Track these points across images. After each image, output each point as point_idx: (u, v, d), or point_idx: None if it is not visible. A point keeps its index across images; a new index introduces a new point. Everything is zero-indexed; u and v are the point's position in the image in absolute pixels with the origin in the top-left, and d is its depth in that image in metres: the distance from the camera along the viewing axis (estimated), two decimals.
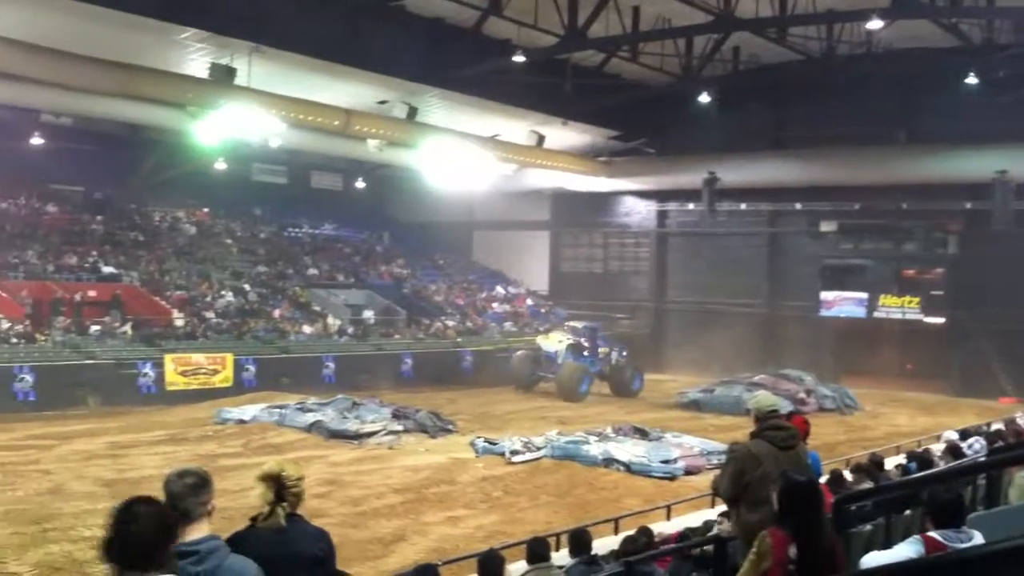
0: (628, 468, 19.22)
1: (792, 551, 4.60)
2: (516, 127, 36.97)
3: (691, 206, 41.19)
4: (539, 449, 20.49)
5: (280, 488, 4.48)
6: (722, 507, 10.86)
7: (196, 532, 3.94)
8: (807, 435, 7.05)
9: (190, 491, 3.96)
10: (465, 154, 34.79)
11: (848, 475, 10.48)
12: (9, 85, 25.57)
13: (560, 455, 20.11)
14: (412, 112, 33.29)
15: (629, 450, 20.00)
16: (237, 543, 4.25)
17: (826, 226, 38.26)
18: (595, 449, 20.11)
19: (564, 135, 38.30)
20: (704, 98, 35.58)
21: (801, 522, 4.63)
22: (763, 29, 31.36)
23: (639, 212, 44.23)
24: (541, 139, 37.96)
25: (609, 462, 19.54)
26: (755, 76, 36.69)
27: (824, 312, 38.18)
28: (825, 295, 38.13)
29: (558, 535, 8.76)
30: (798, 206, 39.31)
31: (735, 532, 6.20)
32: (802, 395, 29.57)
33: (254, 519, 4.49)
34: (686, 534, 9.02)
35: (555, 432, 22.06)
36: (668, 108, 37.58)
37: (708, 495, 15.32)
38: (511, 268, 46.68)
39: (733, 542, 6.47)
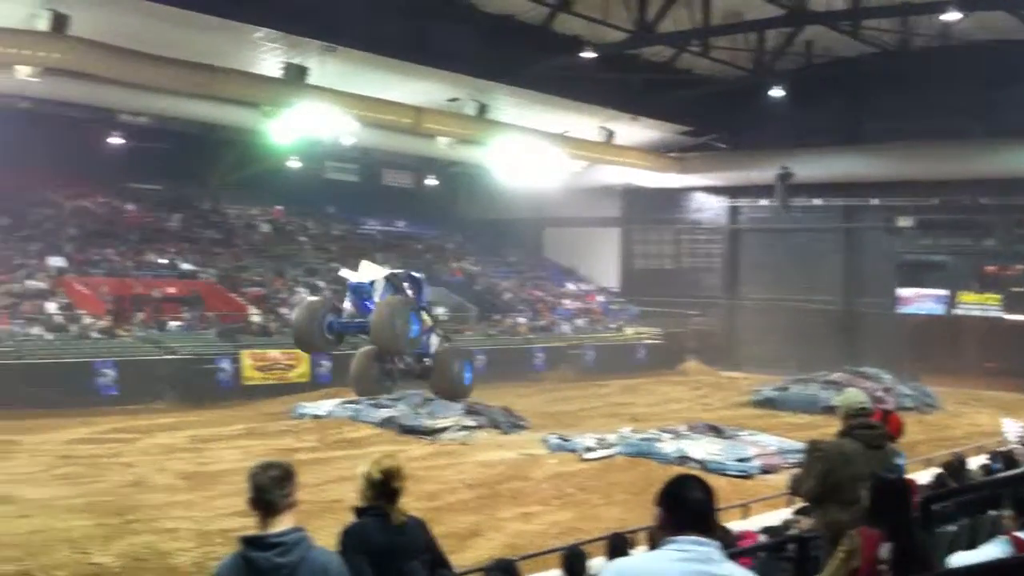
0: (703, 466, 19.02)
1: (883, 550, 4.53)
2: (586, 123, 36.87)
3: (764, 202, 40.71)
4: (612, 446, 20.40)
5: (391, 483, 4.51)
6: (798, 505, 10.73)
7: (281, 524, 4.01)
8: (900, 434, 6.93)
9: (275, 484, 4.03)
10: (535, 151, 34.80)
11: (930, 475, 10.28)
12: (89, 85, 26.19)
13: (634, 452, 19.99)
14: (482, 109, 33.39)
15: (704, 448, 19.83)
16: (352, 535, 4.31)
17: (903, 221, 37.60)
18: (669, 447, 19.96)
19: (634, 131, 38.11)
20: (777, 92, 35.13)
21: (895, 521, 4.56)
22: (836, 22, 30.88)
23: (711, 208, 43.85)
24: (611, 135, 37.82)
25: (683, 460, 19.36)
26: (829, 69, 36.16)
27: (901, 309, 37.49)
28: (902, 292, 37.45)
29: (635, 531, 8.72)
30: (874, 201, 38.67)
31: (819, 531, 6.12)
32: (880, 393, 28.98)
33: (360, 511, 4.53)
34: (779, 531, 8.91)
35: (629, 429, 21.92)
36: (740, 103, 37.17)
37: (785, 494, 15.14)
38: (582, 265, 46.59)
39: (815, 541, 6.40)
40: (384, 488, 4.50)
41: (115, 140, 34.90)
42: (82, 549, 13.02)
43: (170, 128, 34.38)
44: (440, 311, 37.34)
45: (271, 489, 4.02)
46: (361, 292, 24.23)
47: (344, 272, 25.69)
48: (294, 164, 37.34)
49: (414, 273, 26.69)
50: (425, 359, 25.50)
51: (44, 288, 29.09)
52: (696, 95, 36.96)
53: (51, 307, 28.12)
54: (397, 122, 31.78)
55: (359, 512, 4.59)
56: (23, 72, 23.70)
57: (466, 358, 26.24)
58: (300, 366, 30.11)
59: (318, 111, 28.39)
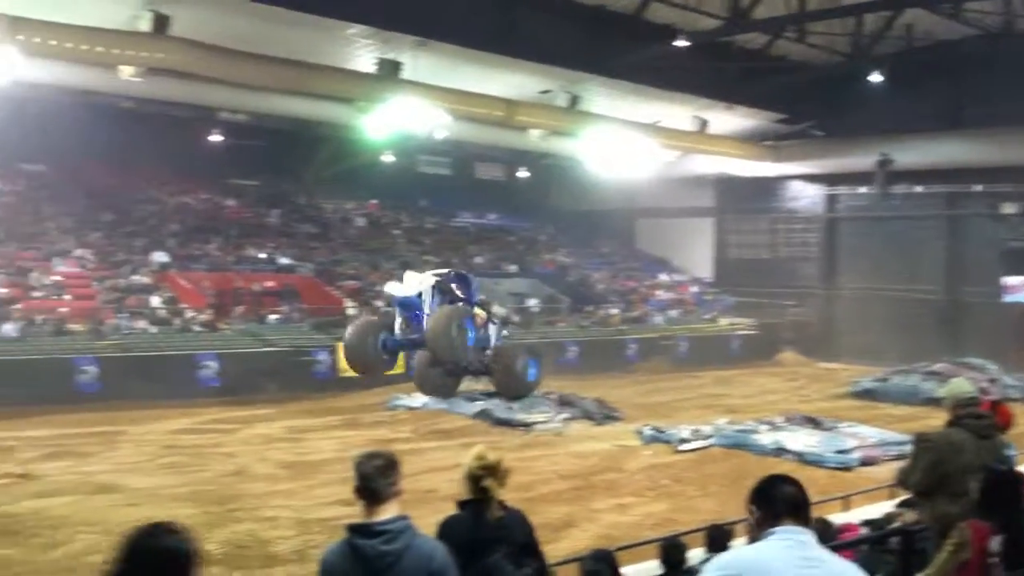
0: (801, 458, 18.75)
1: (994, 543, 4.41)
2: (679, 113, 36.54)
3: (863, 189, 39.89)
4: (708, 438, 20.22)
5: (489, 477, 4.52)
6: (901, 498, 10.49)
7: (386, 512, 4.06)
8: (1010, 425, 6.73)
9: (379, 472, 4.08)
10: (627, 142, 34.61)
11: None
12: (190, 84, 26.79)
13: (729, 444, 19.79)
14: (574, 101, 33.31)
15: (802, 440, 19.52)
16: (444, 527, 4.34)
17: (1008, 208, 36.48)
18: (765, 438, 19.71)
19: (728, 120, 37.65)
20: (876, 77, 34.36)
21: (1006, 514, 4.44)
22: (937, 5, 30.07)
23: (807, 196, 43.10)
24: (704, 124, 37.42)
25: (780, 452, 19.10)
26: (930, 53, 35.17)
27: (1007, 298, 36.38)
28: (1008, 280, 36.34)
29: (734, 523, 8.63)
30: (977, 187, 37.58)
31: (927, 523, 5.97)
32: (985, 384, 28.17)
33: (462, 504, 4.54)
34: (881, 524, 8.74)
35: (724, 421, 21.72)
36: (837, 89, 36.46)
37: (886, 487, 14.83)
38: (675, 255, 46.20)
39: (920, 534, 6.25)
40: (482, 482, 4.50)
41: (215, 138, 35.68)
42: None
43: (268, 125, 35.02)
44: (532, 302, 37.49)
45: (376, 478, 4.08)
46: (410, 306, 22.54)
47: (389, 287, 23.87)
48: (388, 158, 37.74)
49: (460, 271, 25.28)
50: (485, 355, 23.70)
51: (148, 283, 29.90)
52: (792, 82, 36.34)
53: (155, 301, 28.89)
54: (489, 115, 31.87)
55: (460, 505, 4.61)
56: (126, 72, 24.37)
57: (530, 353, 24.45)
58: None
59: (411, 105, 28.64)
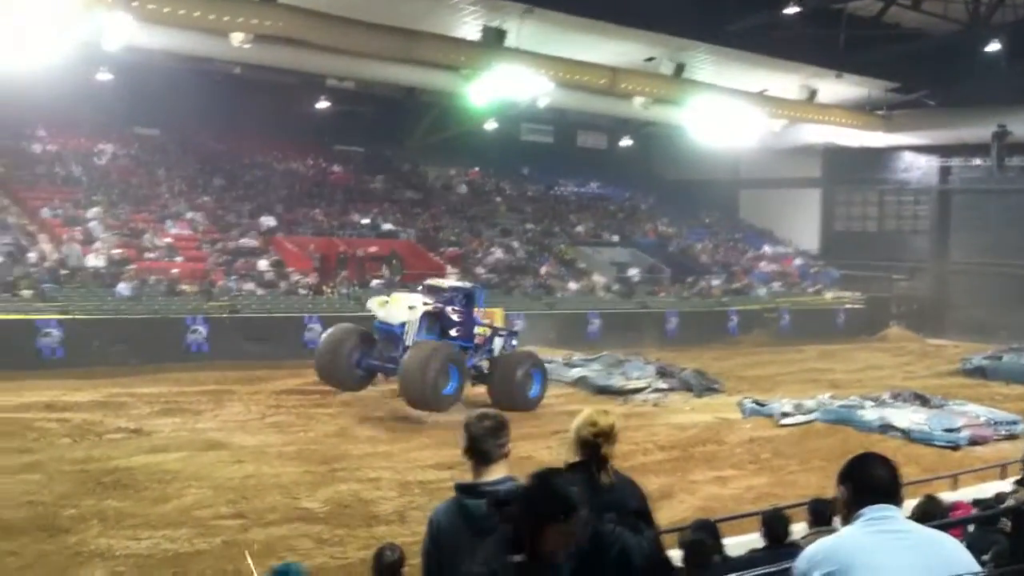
0: (907, 435, 18.36)
1: None
2: (786, 81, 35.78)
3: (977, 161, 38.67)
4: (810, 412, 19.93)
5: (600, 440, 4.49)
6: (1016, 477, 10.23)
7: (495, 473, 4.09)
8: None
9: (489, 433, 4.12)
10: (732, 110, 34.06)
11: None
12: (298, 52, 27.15)
13: (833, 419, 19.47)
14: (679, 69, 32.88)
15: (908, 417, 19.09)
16: None
17: None
18: (871, 414, 19.34)
19: (837, 88, 36.73)
20: (993, 46, 33.10)
21: None
22: None
23: (919, 168, 41.92)
24: (813, 93, 36.61)
25: (886, 428, 18.73)
26: None
27: None
28: None
29: (836, 499, 8.52)
30: None
31: None
32: None
33: (570, 467, 4.54)
34: (991, 504, 8.52)
35: (828, 395, 21.38)
36: (952, 58, 35.20)
37: (997, 466, 14.46)
38: (779, 227, 45.41)
39: None
40: (593, 445, 4.48)
41: (322, 104, 36.12)
42: (291, 494, 13.71)
43: (373, 92, 35.37)
44: (633, 272, 37.28)
45: (486, 438, 4.11)
46: (391, 334, 20.65)
47: (372, 304, 21.81)
48: (491, 126, 37.79)
49: (462, 285, 23.01)
50: (483, 363, 21.59)
51: (256, 246, 30.54)
52: (904, 50, 35.20)
53: (262, 264, 29.51)
54: (592, 83, 31.66)
55: (568, 468, 4.60)
56: (236, 39, 24.79)
57: (534, 366, 21.34)
58: (495, 323, 30.56)
59: (515, 73, 28.62)
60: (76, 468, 14.35)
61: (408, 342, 20.30)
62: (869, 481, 3.53)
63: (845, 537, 3.52)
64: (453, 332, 20.92)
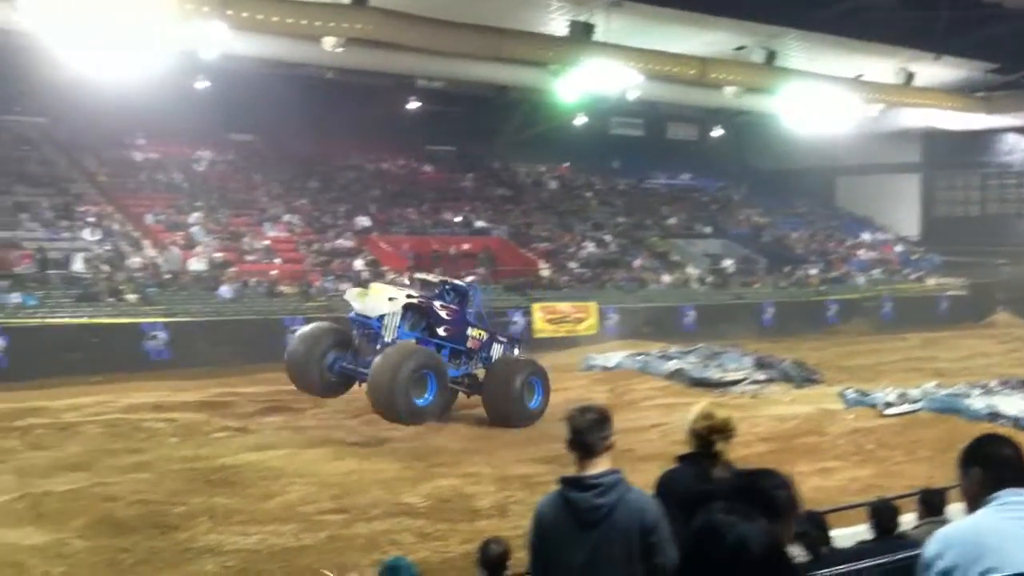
0: (1017, 424, 17.79)
1: None
2: (882, 65, 34.94)
3: None
4: (915, 402, 19.46)
5: (721, 434, 4.47)
6: None
7: (598, 466, 4.10)
8: None
9: (594, 426, 4.12)
10: (827, 97, 33.41)
11: None
12: (389, 54, 27.43)
13: (939, 408, 18.96)
14: (770, 56, 32.34)
15: (1018, 404, 18.52)
16: (663, 482, 4.36)
17: None
18: (978, 403, 18.79)
19: (935, 71, 35.74)
20: None
21: None
22: None
23: (1022, 150, 40.67)
24: (910, 77, 35.68)
25: (994, 417, 18.15)
26: None
27: None
28: None
29: (947, 488, 8.29)
30: None
31: None
32: None
33: (681, 458, 4.53)
34: None
35: (933, 384, 20.86)
36: None
37: None
38: (878, 213, 44.51)
39: None
40: (707, 439, 4.46)
41: (412, 105, 36.47)
42: (392, 490, 13.85)
43: (463, 91, 35.59)
44: (727, 263, 36.87)
45: (589, 431, 4.12)
46: (368, 328, 18.19)
47: (349, 295, 19.21)
48: (580, 121, 37.72)
49: (455, 282, 20.30)
50: (479, 371, 19.39)
51: (351, 246, 31.01)
52: (1006, 31, 34.13)
53: (358, 264, 29.93)
54: (682, 74, 31.33)
55: (679, 459, 4.59)
56: (328, 43, 25.15)
57: (534, 374, 18.83)
58: (589, 319, 30.61)
59: (604, 67, 28.48)
60: (184, 466, 14.72)
61: (388, 338, 17.83)
62: (1002, 462, 3.38)
63: (980, 521, 3.31)
64: (441, 331, 18.46)
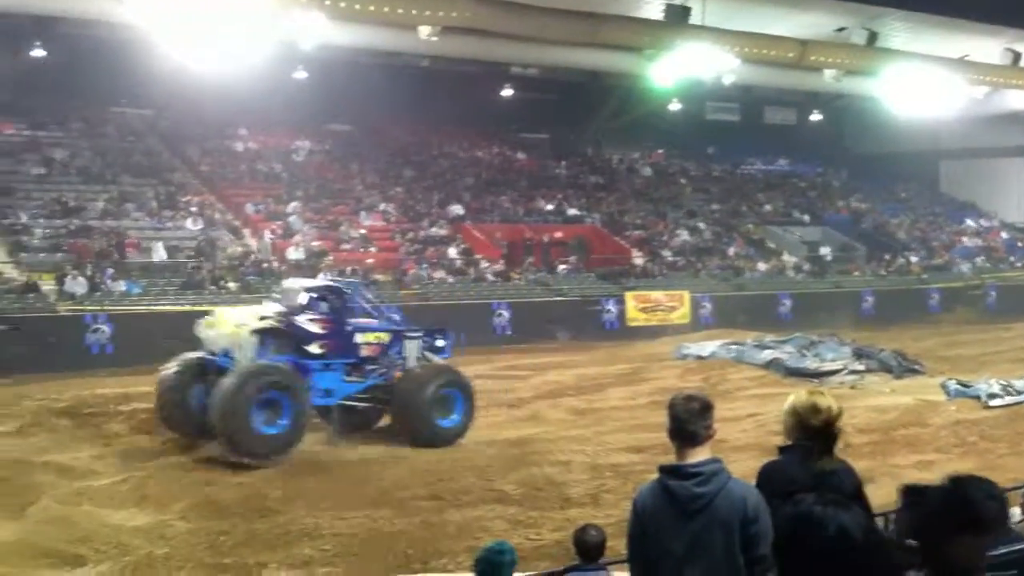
0: None
1: None
2: (988, 46, 33.88)
3: None
4: (1020, 393, 18.90)
5: (816, 422, 4.38)
6: None
7: (699, 455, 4.08)
8: None
9: (696, 415, 4.10)
10: (930, 79, 32.53)
11: None
12: (484, 41, 27.51)
13: None
14: (872, 37, 31.62)
15: None
16: (765, 473, 4.31)
17: None
18: None
19: None
20: None
21: None
22: None
23: None
24: (1016, 57, 34.54)
25: None
26: None
27: None
28: None
29: None
30: None
31: None
32: None
33: (782, 449, 4.48)
34: None
35: None
36: None
37: None
38: (982, 199, 43.23)
39: None
40: (818, 431, 4.37)
41: (506, 92, 36.50)
42: (485, 476, 13.95)
43: (556, 78, 35.52)
44: (825, 251, 36.21)
45: (692, 420, 4.10)
46: (219, 362, 15.22)
47: (198, 328, 15.80)
48: (674, 106, 37.35)
49: (328, 283, 17.60)
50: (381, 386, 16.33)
51: (445, 235, 31.25)
52: None
53: (451, 252, 30.16)
54: (780, 57, 30.81)
55: (781, 450, 4.51)
56: (424, 32, 25.35)
57: (450, 385, 16.16)
58: (682, 307, 30.36)
59: (699, 51, 28.17)
60: None
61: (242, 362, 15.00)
62: None
63: None
64: (314, 348, 15.53)
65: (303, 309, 15.67)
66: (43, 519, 11.70)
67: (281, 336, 15.44)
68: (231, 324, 15.30)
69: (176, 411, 15.22)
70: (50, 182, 28.50)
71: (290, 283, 17.05)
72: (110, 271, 24.53)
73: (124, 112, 32.56)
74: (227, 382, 14.29)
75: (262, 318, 15.44)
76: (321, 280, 18.72)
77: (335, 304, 15.98)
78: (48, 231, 26.21)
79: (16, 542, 10.82)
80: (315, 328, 15.57)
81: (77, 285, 23.62)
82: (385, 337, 16.40)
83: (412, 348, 16.49)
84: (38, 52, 27.19)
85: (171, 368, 15.45)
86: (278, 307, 15.93)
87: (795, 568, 2.61)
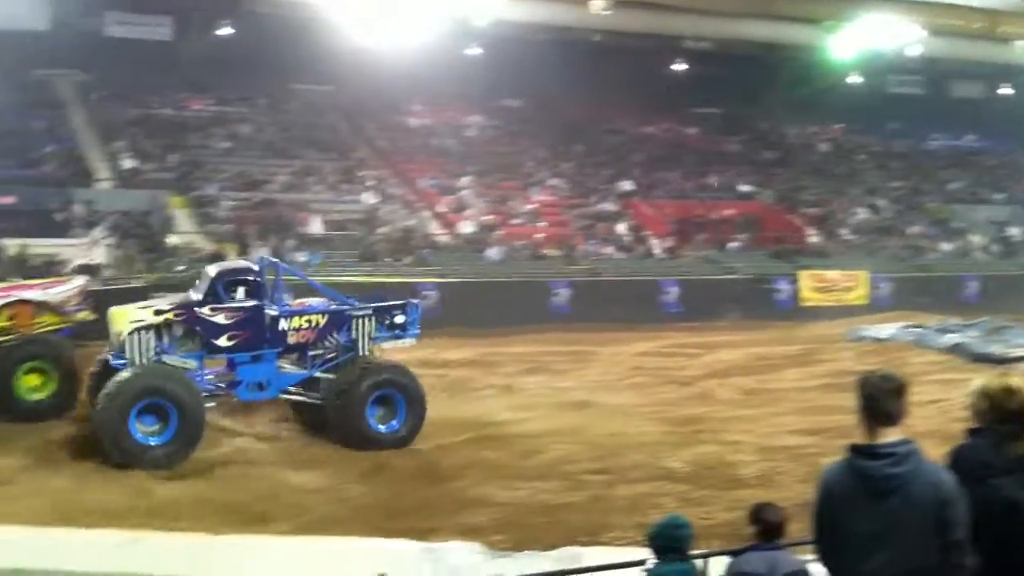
0: None
1: None
2: None
3: None
4: None
5: (1009, 405, 4.19)
6: None
7: (890, 435, 3.95)
8: None
9: (892, 395, 3.97)
10: None
11: None
12: (656, 15, 27.26)
13: None
14: None
15: None
16: (956, 455, 4.17)
17: None
18: None
19: None
20: None
21: None
22: None
23: None
24: None
25: None
26: None
27: None
28: None
29: None
30: None
31: None
32: None
33: (973, 432, 4.30)
34: None
35: None
36: None
37: None
38: None
39: None
40: (1003, 410, 4.17)
41: (678, 67, 35.97)
42: (654, 454, 13.85)
43: (729, 51, 34.76)
44: (1014, 231, 34.38)
45: (887, 399, 3.97)
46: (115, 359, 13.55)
47: (111, 314, 14.00)
48: (854, 80, 36.07)
49: (237, 264, 15.60)
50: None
51: (614, 211, 31.13)
52: None
53: (620, 228, 30.03)
54: (968, 27, 29.51)
55: (971, 433, 4.32)
56: (596, 6, 25.28)
57: (388, 384, 14.06)
58: (859, 288, 29.42)
59: (881, 22, 27.20)
60: (453, 420, 15.27)
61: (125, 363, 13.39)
62: None
63: None
64: (223, 342, 13.71)
65: (207, 299, 13.73)
66: (229, 478, 12.28)
67: (186, 330, 13.71)
68: (125, 322, 13.57)
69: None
70: (236, 156, 29.73)
71: (209, 269, 14.77)
72: (291, 242, 25.42)
73: (308, 89, 33.63)
74: (112, 391, 12.71)
75: (157, 312, 13.64)
76: (232, 263, 16.63)
77: (251, 288, 13.93)
78: (234, 203, 27.34)
79: (208, 500, 11.38)
80: (219, 319, 13.70)
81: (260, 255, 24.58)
82: (319, 319, 14.33)
83: (362, 328, 14.48)
84: (226, 31, 28.40)
85: (92, 368, 14.23)
86: (166, 303, 14.03)
87: (994, 553, 2.50)
